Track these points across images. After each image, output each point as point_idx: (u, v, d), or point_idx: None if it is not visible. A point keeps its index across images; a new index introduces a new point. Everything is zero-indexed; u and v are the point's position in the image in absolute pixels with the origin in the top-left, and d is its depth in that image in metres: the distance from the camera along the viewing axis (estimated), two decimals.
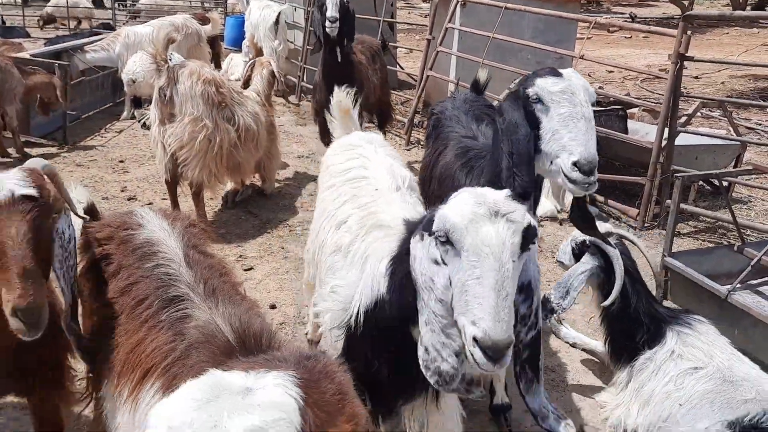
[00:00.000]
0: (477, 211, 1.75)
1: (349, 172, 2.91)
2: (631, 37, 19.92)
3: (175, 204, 5.59)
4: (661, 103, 7.66)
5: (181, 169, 5.34)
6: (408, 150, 8.31)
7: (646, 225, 5.90)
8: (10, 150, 7.19)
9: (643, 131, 7.00)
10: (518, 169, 2.46)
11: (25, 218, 1.93)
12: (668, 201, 5.69)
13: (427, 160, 3.84)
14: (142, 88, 8.61)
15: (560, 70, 2.44)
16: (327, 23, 5.69)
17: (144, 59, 8.53)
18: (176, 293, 1.98)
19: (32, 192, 1.98)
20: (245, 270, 5.00)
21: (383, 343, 2.17)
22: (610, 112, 6.94)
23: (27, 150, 7.19)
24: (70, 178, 6.31)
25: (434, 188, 3.48)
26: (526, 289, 1.97)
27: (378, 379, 2.18)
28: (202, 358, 1.65)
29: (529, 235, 1.77)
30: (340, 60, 5.93)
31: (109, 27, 13.08)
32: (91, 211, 2.59)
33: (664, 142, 5.73)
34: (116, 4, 17.41)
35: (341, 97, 3.69)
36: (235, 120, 5.45)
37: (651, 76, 11.57)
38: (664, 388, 2.98)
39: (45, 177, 2.14)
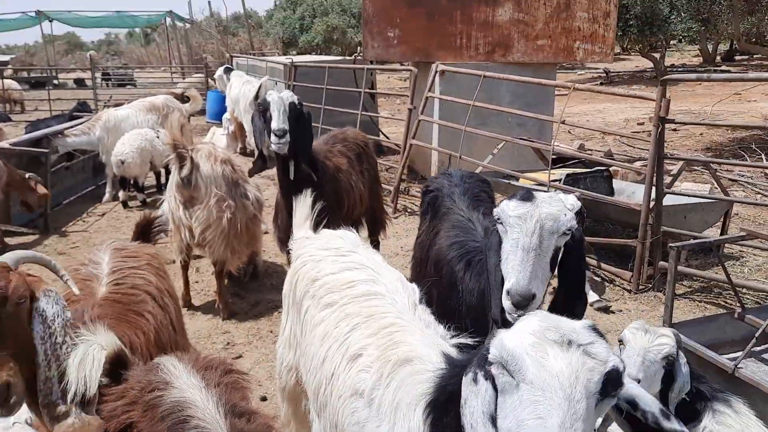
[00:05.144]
0: (546, 335, 1.46)
1: (354, 287, 2.48)
2: None
3: (186, 285, 5.73)
4: (641, 159, 7.77)
5: (207, 250, 5.43)
6: (395, 218, 8.25)
7: (640, 287, 5.81)
8: None
9: (629, 190, 7.02)
10: (493, 296, 2.43)
11: None
12: (662, 263, 5.65)
13: (423, 238, 3.75)
14: (131, 169, 8.59)
15: (536, 193, 2.41)
16: (273, 139, 4.17)
17: (133, 140, 8.52)
18: None
19: None
20: (234, 359, 4.82)
21: None
22: (596, 174, 6.97)
23: (7, 240, 7.05)
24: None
25: (430, 271, 3.38)
26: None
27: None
28: None
29: (611, 382, 1.42)
30: (293, 179, 4.50)
31: (86, 107, 12.93)
32: (119, 361, 2.21)
33: (651, 204, 5.71)
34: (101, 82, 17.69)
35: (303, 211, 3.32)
36: (247, 195, 5.53)
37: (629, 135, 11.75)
38: None
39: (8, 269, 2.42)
